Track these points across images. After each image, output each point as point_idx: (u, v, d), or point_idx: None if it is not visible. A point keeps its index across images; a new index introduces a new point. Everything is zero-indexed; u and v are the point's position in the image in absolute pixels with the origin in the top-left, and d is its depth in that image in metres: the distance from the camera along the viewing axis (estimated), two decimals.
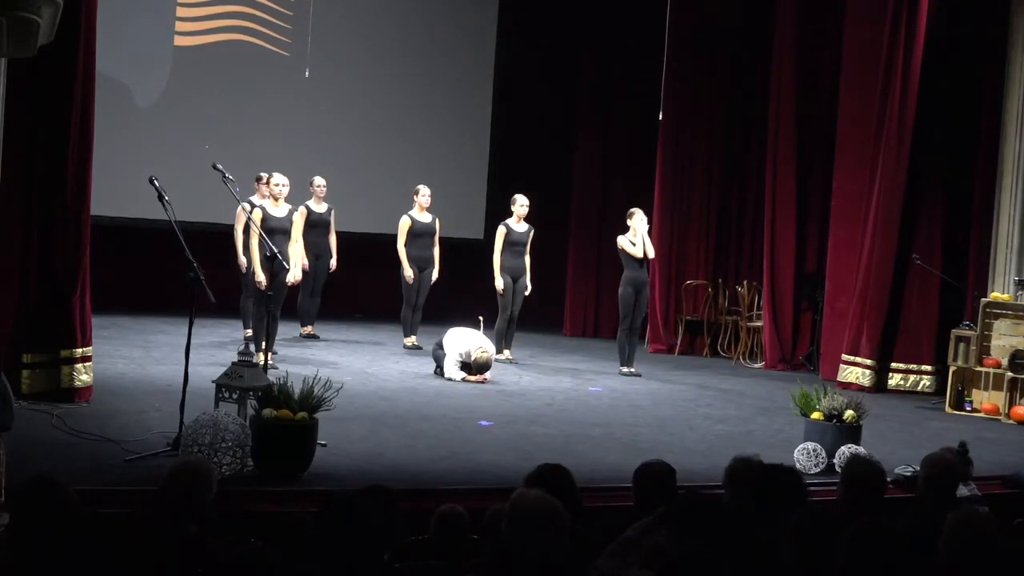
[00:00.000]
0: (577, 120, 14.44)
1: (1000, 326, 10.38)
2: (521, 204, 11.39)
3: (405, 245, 11.45)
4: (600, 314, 14.18)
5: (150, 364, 9.48)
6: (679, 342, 13.26)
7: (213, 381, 7.04)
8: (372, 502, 3.97)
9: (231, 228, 10.88)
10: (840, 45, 11.73)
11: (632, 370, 11.05)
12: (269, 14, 13.30)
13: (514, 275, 11.31)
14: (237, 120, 13.03)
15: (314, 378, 6.59)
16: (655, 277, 12.58)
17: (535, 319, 12.90)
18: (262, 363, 7.53)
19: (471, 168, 14.38)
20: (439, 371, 10.17)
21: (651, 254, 11.06)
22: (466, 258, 13.28)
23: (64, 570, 3.70)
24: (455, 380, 9.90)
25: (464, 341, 10.07)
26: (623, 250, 10.91)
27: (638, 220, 10.95)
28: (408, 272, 11.42)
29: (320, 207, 11.65)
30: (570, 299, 14.27)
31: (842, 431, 7.47)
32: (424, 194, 11.55)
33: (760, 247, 12.99)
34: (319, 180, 11.65)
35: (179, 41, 12.91)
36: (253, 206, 10.11)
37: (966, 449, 6.75)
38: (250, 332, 10.23)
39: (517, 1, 14.40)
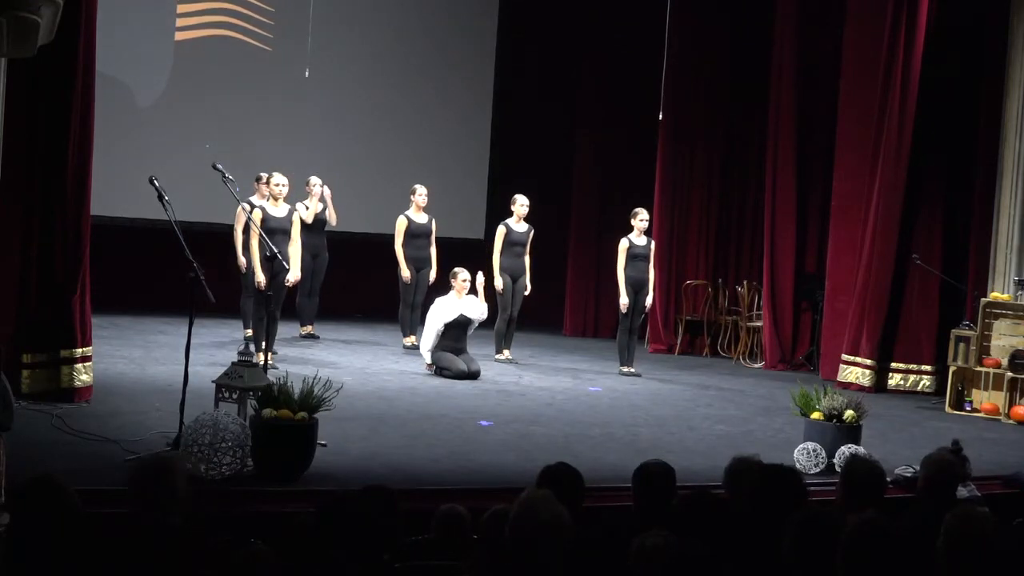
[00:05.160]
0: (577, 120, 14.43)
1: (1000, 326, 10.39)
2: (521, 204, 11.39)
3: (402, 245, 11.45)
4: (600, 314, 14.17)
5: (150, 364, 9.48)
6: (679, 342, 13.26)
7: (213, 381, 7.04)
8: (372, 502, 3.97)
9: (231, 228, 10.88)
10: (840, 45, 11.73)
11: (632, 370, 11.06)
12: (268, 16, 13.29)
13: (513, 275, 11.30)
14: (237, 120, 13.02)
15: (314, 378, 6.59)
16: (655, 277, 12.58)
17: (535, 319, 12.89)
18: (262, 363, 7.53)
19: (471, 168, 14.37)
20: (438, 371, 10.17)
21: (647, 303, 11.18)
22: (466, 258, 13.25)
23: (64, 570, 3.70)
24: (427, 361, 10.23)
25: (443, 309, 10.24)
26: (625, 251, 10.97)
27: (640, 220, 11.06)
28: (405, 272, 11.42)
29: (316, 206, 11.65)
30: (570, 299, 14.26)
31: (842, 431, 7.48)
32: (421, 194, 11.54)
33: (760, 247, 12.99)
34: (315, 179, 11.65)
35: (180, 36, 12.90)
36: (253, 206, 10.12)
37: (959, 447, 6.76)
38: (250, 332, 10.23)
39: (518, 0, 14.40)
